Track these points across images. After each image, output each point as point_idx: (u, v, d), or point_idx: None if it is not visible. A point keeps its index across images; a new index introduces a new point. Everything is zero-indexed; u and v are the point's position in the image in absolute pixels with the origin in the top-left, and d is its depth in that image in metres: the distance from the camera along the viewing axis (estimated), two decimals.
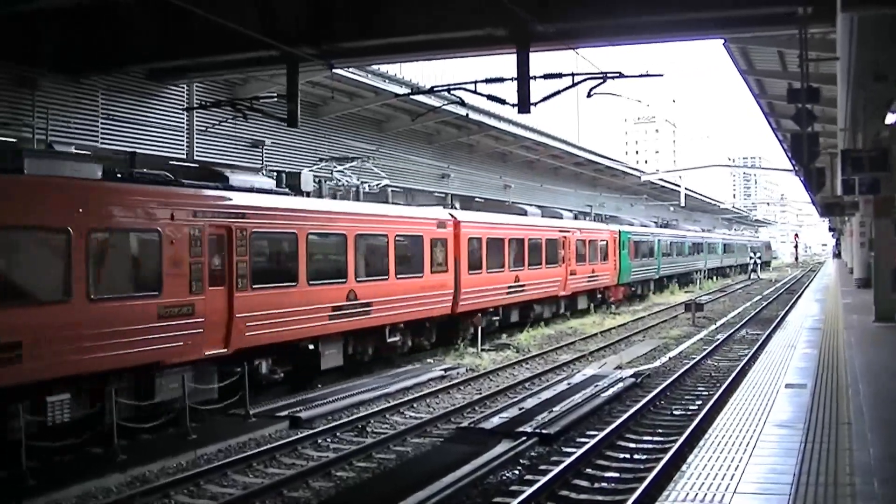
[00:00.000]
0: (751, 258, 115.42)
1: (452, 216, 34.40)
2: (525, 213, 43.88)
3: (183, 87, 28.70)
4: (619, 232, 58.12)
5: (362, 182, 34.06)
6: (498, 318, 38.00)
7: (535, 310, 42.66)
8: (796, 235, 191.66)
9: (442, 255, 32.37)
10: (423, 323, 31.86)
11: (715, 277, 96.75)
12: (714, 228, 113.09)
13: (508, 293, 38.52)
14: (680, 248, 79.89)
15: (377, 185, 34.81)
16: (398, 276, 29.38)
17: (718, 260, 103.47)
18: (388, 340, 29.20)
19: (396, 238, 29.64)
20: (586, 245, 49.71)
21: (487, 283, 36.02)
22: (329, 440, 20.07)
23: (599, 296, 53.75)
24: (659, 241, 70.34)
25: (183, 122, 28.91)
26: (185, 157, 29.29)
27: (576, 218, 53.49)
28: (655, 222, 79.13)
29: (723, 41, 27.03)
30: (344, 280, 26.60)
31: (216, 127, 29.22)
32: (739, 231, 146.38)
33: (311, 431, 20.35)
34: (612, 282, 55.97)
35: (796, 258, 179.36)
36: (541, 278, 42.29)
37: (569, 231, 47.07)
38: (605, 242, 54.10)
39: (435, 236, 32.12)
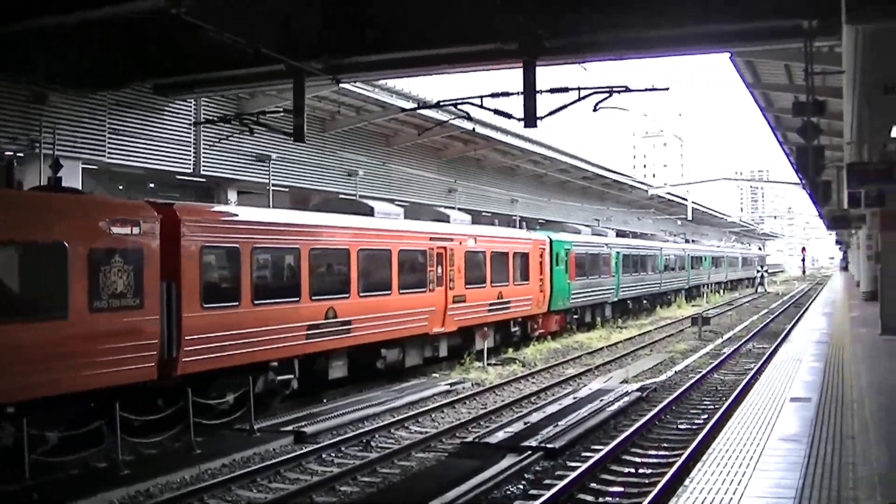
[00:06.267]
0: (758, 271, 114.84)
1: (163, 209, 20.53)
2: (371, 213, 29.96)
3: (190, 102, 28.86)
4: (550, 241, 43.61)
5: None
6: (291, 376, 24.47)
7: (386, 356, 28.97)
8: (803, 248, 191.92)
9: (127, 280, 18.82)
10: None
11: (722, 291, 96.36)
12: (691, 239, 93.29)
13: (311, 336, 24.83)
14: (651, 262, 65.26)
15: None
16: None
17: (706, 276, 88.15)
18: None
19: None
20: (487, 259, 36.00)
21: (254, 322, 22.67)
22: (333, 455, 20.02)
23: (515, 329, 39.42)
24: (619, 253, 55.86)
25: (190, 137, 29.02)
26: (191, 171, 29.43)
27: (476, 223, 39.15)
28: (630, 232, 70.20)
29: (729, 55, 27.07)
30: None
31: (223, 141, 29.34)
32: (731, 243, 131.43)
33: (315, 446, 20.31)
34: (539, 309, 41.58)
35: (803, 271, 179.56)
36: (389, 310, 28.71)
37: (450, 239, 33.03)
38: (524, 255, 39.96)
39: (100, 245, 18.52)
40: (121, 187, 32.81)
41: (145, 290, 19.31)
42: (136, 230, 19.31)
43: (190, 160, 29.23)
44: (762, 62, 28.92)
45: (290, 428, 21.71)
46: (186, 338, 20.38)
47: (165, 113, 28.06)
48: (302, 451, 19.76)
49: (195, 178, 30.81)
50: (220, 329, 21.45)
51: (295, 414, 23.54)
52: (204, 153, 29.60)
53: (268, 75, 24.20)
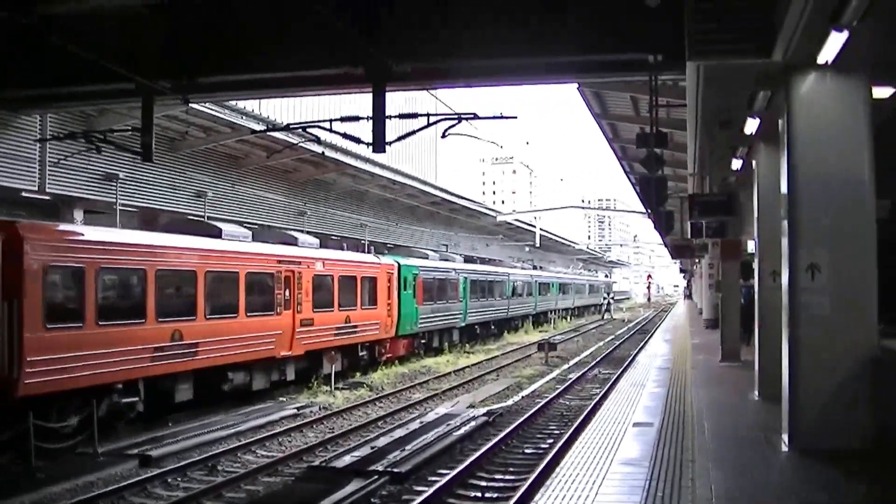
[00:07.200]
0: (604, 298, 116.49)
1: (5, 227, 20.88)
2: (219, 234, 29.93)
3: (36, 118, 28.15)
4: (399, 266, 44.29)
5: None
6: (136, 398, 24.30)
7: (233, 379, 28.84)
8: (649, 276, 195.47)
9: None
10: None
11: (569, 317, 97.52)
12: (538, 266, 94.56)
13: (157, 358, 24.63)
14: (499, 288, 65.70)
15: None
16: None
17: (554, 302, 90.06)
18: None
19: None
20: (335, 283, 36.19)
21: (99, 343, 22.36)
22: (179, 479, 19.77)
23: (363, 353, 39.49)
24: (466, 279, 56.28)
25: (35, 154, 28.33)
26: (36, 188, 28.75)
27: (324, 247, 38.85)
28: (497, 259, 72.57)
29: (577, 85, 27.48)
30: None
31: (70, 159, 28.72)
32: (579, 270, 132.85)
33: (160, 470, 20.01)
34: (387, 333, 41.89)
35: (649, 299, 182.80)
36: (236, 333, 28.58)
37: (298, 262, 33.15)
38: (372, 280, 40.37)
39: None
40: None
41: None
42: None
43: (35, 177, 28.55)
44: (610, 93, 29.45)
45: (134, 451, 21.40)
46: (28, 359, 19.81)
47: (9, 128, 27.34)
48: (146, 476, 19.47)
49: (40, 196, 30.09)
50: (64, 350, 20.93)
51: (140, 437, 23.17)
52: (50, 171, 28.92)
53: (118, 93, 23.71)
